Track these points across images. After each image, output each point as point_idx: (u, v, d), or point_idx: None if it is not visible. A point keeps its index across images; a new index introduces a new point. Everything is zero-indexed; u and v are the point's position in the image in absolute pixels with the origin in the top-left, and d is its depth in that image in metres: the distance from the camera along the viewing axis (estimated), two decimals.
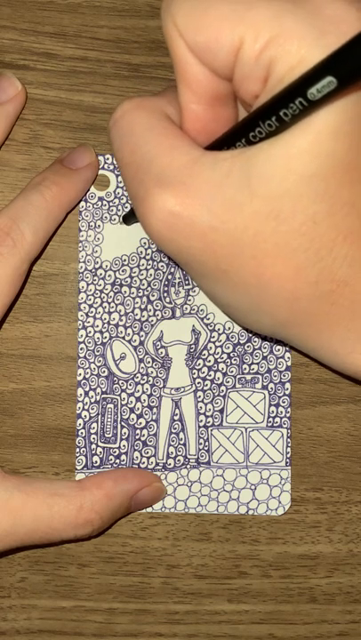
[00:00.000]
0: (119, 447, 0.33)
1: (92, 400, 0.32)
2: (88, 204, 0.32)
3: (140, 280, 0.32)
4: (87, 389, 0.32)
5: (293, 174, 0.22)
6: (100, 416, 0.32)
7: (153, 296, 0.33)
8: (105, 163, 0.32)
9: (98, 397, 0.33)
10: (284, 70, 0.21)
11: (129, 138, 0.25)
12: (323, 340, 0.25)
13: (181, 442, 0.33)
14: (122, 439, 0.33)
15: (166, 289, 0.33)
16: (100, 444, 0.32)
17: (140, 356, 0.33)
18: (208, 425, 0.33)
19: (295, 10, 0.21)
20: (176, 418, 0.33)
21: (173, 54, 0.23)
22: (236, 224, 0.23)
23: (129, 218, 0.32)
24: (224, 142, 0.24)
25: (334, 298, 0.24)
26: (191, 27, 0.22)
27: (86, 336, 0.32)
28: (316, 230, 0.23)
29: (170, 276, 0.33)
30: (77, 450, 0.32)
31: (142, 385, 0.33)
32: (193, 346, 0.33)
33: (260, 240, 0.23)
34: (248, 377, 0.33)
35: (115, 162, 0.32)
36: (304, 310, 0.24)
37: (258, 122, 0.22)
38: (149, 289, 0.33)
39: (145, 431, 0.33)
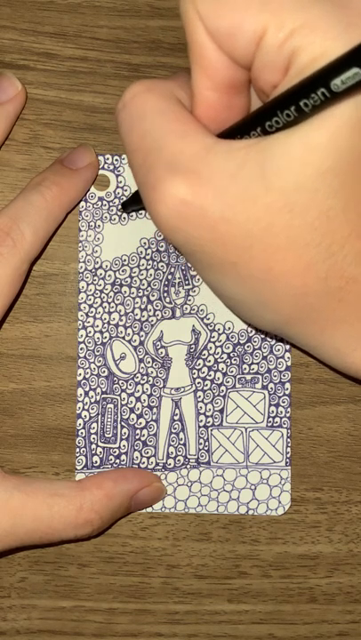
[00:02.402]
0: (119, 447, 0.33)
1: (92, 400, 0.32)
2: (88, 204, 0.32)
3: (140, 280, 0.32)
4: (87, 389, 0.32)
5: (310, 168, 0.21)
6: (100, 416, 0.32)
7: (153, 296, 0.33)
8: (105, 163, 0.32)
9: (98, 397, 0.33)
10: (307, 61, 0.21)
11: (139, 122, 0.24)
12: (325, 338, 0.25)
13: (181, 442, 0.33)
14: (122, 439, 0.33)
15: (166, 289, 0.33)
16: (100, 443, 0.32)
17: (140, 356, 0.33)
18: (208, 425, 0.33)
19: (321, 0, 0.21)
20: (176, 418, 0.33)
21: (191, 39, 0.23)
22: (248, 216, 0.22)
23: (128, 205, 0.32)
24: (238, 130, 0.23)
25: (342, 295, 0.23)
26: (213, 11, 0.22)
27: (86, 336, 0.32)
28: (330, 226, 0.22)
29: (170, 276, 0.33)
30: (77, 450, 0.32)
31: (142, 385, 0.33)
32: (193, 346, 0.33)
33: (272, 233, 0.22)
34: (248, 377, 0.33)
35: (114, 162, 0.32)
36: (310, 306, 0.24)
37: (276, 111, 0.21)
38: (149, 289, 0.33)
39: (145, 431, 0.33)
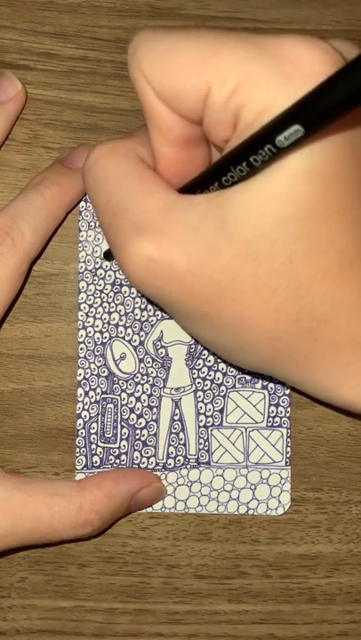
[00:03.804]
0: (119, 447, 0.33)
1: (92, 400, 0.32)
2: (88, 204, 0.32)
3: None
4: (87, 389, 0.32)
5: (268, 218, 0.22)
6: (100, 416, 0.32)
7: None
8: None
9: (98, 397, 0.33)
10: (252, 116, 0.21)
11: (104, 185, 0.25)
12: (310, 375, 0.25)
13: (181, 442, 0.33)
14: (122, 439, 0.33)
15: None
16: (100, 443, 0.32)
17: (140, 356, 0.33)
18: (208, 425, 0.33)
19: (260, 54, 0.21)
20: (176, 418, 0.33)
21: (142, 100, 0.23)
22: (214, 267, 0.23)
23: (110, 255, 0.32)
24: (197, 185, 0.24)
25: (316, 335, 0.24)
26: (158, 74, 0.22)
27: (86, 336, 0.32)
28: (294, 270, 0.23)
29: None
30: (77, 450, 0.32)
31: (142, 385, 0.33)
32: (193, 346, 0.33)
33: (238, 282, 0.23)
34: (248, 377, 0.33)
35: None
36: (288, 348, 0.24)
37: (229, 167, 0.22)
38: None
39: (145, 431, 0.33)
